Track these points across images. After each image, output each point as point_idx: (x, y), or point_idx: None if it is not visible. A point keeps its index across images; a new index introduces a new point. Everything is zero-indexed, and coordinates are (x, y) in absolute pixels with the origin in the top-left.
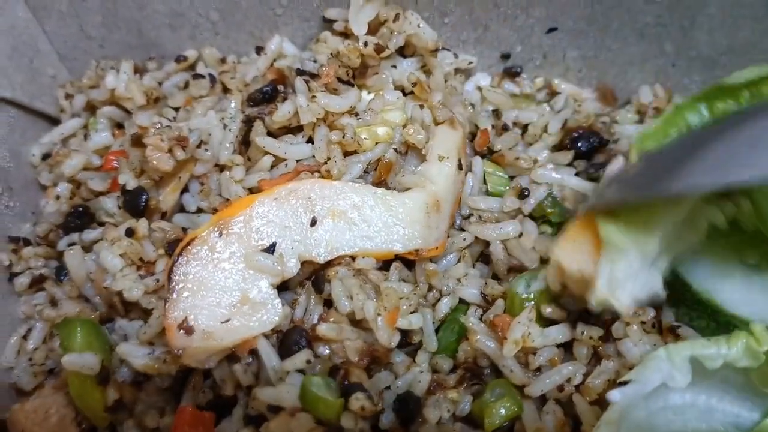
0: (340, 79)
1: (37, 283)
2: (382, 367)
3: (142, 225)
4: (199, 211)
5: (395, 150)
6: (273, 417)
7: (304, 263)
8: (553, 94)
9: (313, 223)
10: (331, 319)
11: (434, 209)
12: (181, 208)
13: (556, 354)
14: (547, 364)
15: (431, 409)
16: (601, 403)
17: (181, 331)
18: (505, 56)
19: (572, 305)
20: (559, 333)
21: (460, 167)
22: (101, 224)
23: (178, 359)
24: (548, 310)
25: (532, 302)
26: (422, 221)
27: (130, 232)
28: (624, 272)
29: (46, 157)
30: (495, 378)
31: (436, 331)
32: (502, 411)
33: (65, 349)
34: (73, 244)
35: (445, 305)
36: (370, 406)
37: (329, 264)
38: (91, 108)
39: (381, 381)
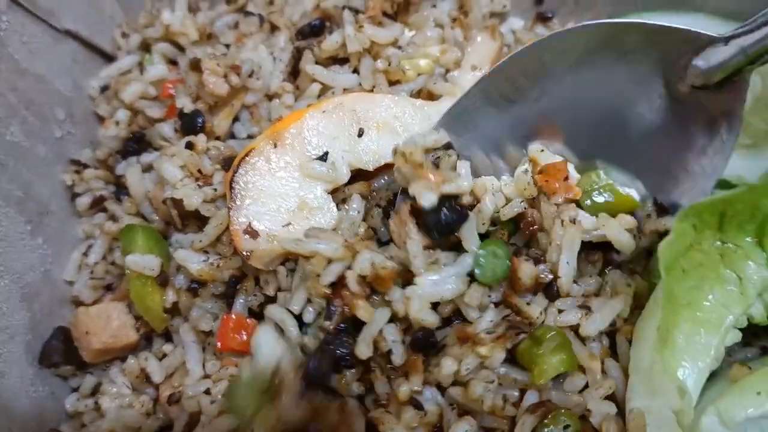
0: (385, 13)
1: (97, 204)
2: None
3: (200, 139)
4: (249, 137)
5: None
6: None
7: (352, 172)
8: None
9: (360, 133)
10: None
11: None
12: (232, 137)
13: None
14: None
15: None
16: None
17: (247, 235)
18: (539, 1)
19: None
20: None
21: None
22: (157, 149)
23: (231, 264)
24: None
25: None
26: None
27: (190, 145)
28: None
29: (104, 89)
30: None
31: None
32: None
33: (127, 252)
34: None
35: None
36: None
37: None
38: (146, 47)
39: None
